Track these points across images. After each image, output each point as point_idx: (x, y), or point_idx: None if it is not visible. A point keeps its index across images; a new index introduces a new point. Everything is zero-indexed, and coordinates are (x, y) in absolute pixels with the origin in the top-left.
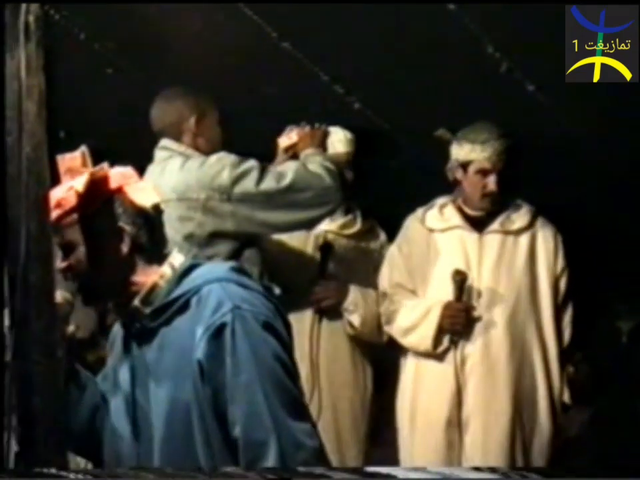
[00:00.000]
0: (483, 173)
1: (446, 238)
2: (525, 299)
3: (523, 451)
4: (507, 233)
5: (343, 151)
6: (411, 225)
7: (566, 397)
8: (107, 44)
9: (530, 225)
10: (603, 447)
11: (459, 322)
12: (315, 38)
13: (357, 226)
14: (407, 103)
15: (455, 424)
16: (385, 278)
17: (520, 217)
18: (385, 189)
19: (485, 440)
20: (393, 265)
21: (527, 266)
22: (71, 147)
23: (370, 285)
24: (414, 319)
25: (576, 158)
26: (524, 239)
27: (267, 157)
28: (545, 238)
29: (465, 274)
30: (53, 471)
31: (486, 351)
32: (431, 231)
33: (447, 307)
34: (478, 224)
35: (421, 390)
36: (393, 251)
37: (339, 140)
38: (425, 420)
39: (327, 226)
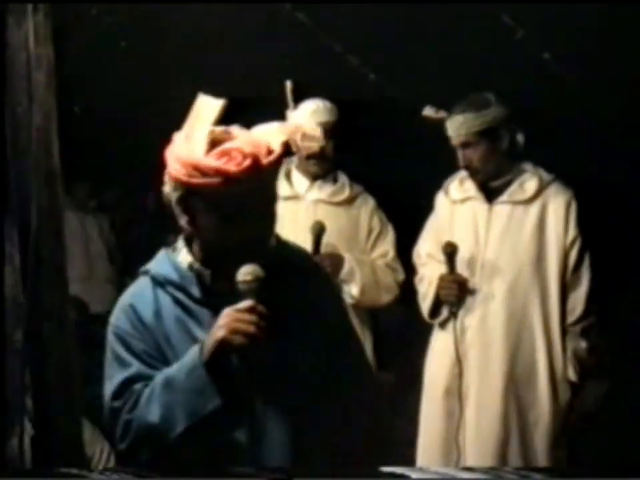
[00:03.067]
0: (458, 147)
1: (463, 209)
2: (529, 272)
3: (519, 427)
4: (516, 203)
5: (317, 121)
6: (439, 196)
7: (570, 374)
8: (120, 16)
9: (539, 194)
10: (620, 421)
11: (451, 293)
12: (329, 8)
13: (346, 193)
14: (421, 72)
15: (455, 394)
16: (418, 249)
17: (530, 186)
18: (395, 158)
19: (479, 413)
20: (424, 236)
21: (533, 237)
22: (87, 122)
23: (364, 252)
24: (422, 290)
25: (593, 126)
26: (534, 209)
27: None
28: (556, 207)
29: (455, 246)
30: (75, 470)
31: (483, 322)
32: (454, 202)
33: (441, 279)
34: (492, 195)
35: (430, 359)
36: (427, 223)
37: (312, 111)
38: (428, 387)
39: (317, 195)
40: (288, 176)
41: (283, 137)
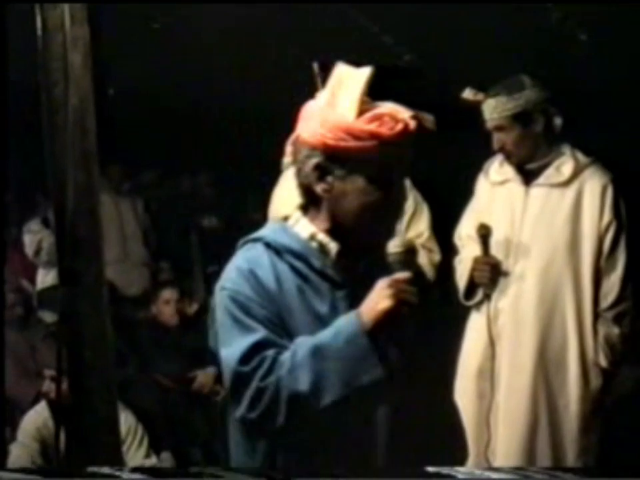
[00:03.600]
0: (493, 131)
1: (501, 191)
2: (562, 255)
3: (549, 411)
4: (552, 185)
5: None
6: (480, 178)
7: (601, 360)
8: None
9: (576, 177)
10: None
11: (485, 275)
12: None
13: None
14: (458, 53)
15: (487, 376)
16: (459, 230)
17: (566, 169)
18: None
19: (510, 396)
20: (465, 218)
21: (569, 221)
22: (121, 104)
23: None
24: (459, 271)
25: (633, 106)
26: (570, 192)
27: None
28: (592, 190)
29: (489, 228)
30: (106, 470)
31: (516, 305)
32: (493, 184)
33: (475, 261)
34: (530, 177)
35: (466, 339)
36: (469, 204)
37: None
38: (462, 368)
39: None
40: None
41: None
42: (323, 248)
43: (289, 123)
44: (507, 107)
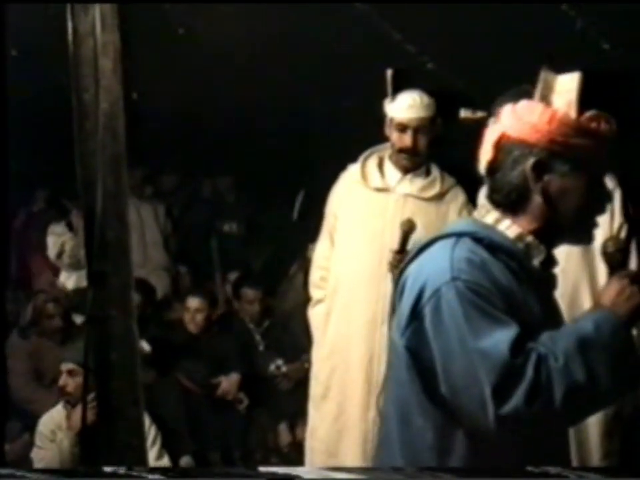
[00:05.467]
0: None
1: None
2: (577, 257)
3: None
4: None
5: (413, 116)
6: None
7: None
8: (178, 5)
9: None
10: None
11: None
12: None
13: (436, 188)
14: (480, 61)
15: None
16: None
17: None
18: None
19: None
20: None
21: None
22: (144, 109)
23: None
24: None
25: None
26: None
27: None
28: None
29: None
30: (122, 471)
31: None
32: None
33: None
34: None
35: None
36: None
37: (408, 105)
38: None
39: (408, 189)
40: (380, 166)
41: None
42: (530, 250)
43: (309, 127)
44: None
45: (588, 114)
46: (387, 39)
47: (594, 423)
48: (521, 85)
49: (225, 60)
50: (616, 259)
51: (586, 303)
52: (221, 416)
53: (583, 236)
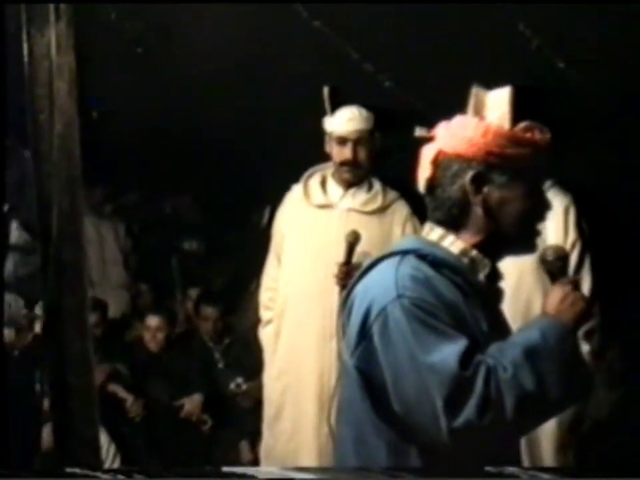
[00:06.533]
0: None
1: None
2: (531, 275)
3: None
4: None
5: (352, 129)
6: None
7: None
8: (137, 23)
9: None
10: (632, 429)
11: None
12: (345, 17)
13: (379, 202)
14: (436, 80)
15: None
16: None
17: None
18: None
19: None
20: None
21: None
22: (104, 127)
23: None
24: None
25: (607, 134)
26: None
27: (291, 134)
28: (555, 211)
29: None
30: (77, 470)
31: None
32: None
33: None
34: None
35: None
36: None
37: (348, 119)
38: None
39: (350, 203)
40: (323, 184)
41: None
42: (475, 264)
43: (270, 146)
44: None
45: (521, 125)
46: (344, 58)
47: (548, 438)
48: None
49: (184, 79)
50: (556, 267)
51: None
52: (183, 436)
53: (526, 245)
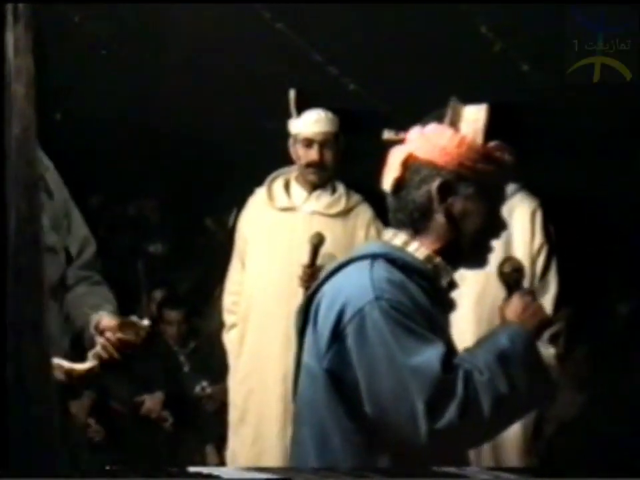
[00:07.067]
0: None
1: None
2: (496, 279)
3: None
4: None
5: (319, 130)
6: None
7: None
8: (102, 25)
9: (505, 202)
10: (601, 429)
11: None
12: (309, 19)
13: (342, 204)
14: (399, 83)
15: None
16: None
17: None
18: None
19: None
20: None
21: (499, 245)
22: (67, 128)
23: None
24: None
25: (574, 138)
26: None
27: (255, 137)
28: (522, 215)
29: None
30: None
31: (454, 328)
32: None
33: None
34: None
35: None
36: None
37: (314, 120)
38: None
39: (314, 206)
40: (286, 187)
41: None
42: (438, 270)
43: (234, 148)
44: None
45: (493, 143)
46: (308, 61)
47: (512, 441)
48: (442, 107)
49: (149, 82)
50: (513, 279)
51: None
52: (146, 436)
53: (478, 259)
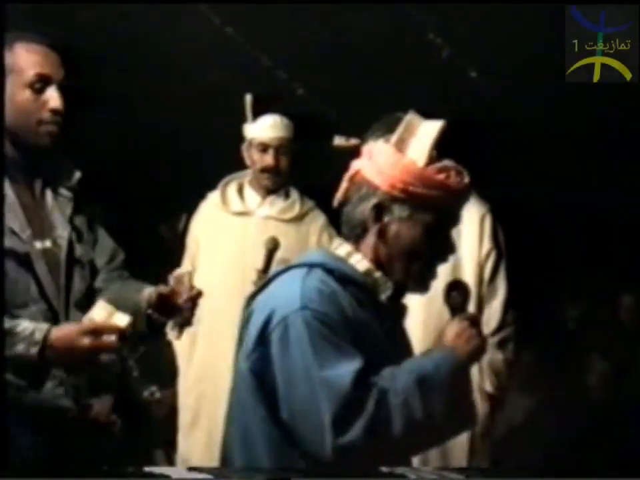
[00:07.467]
0: None
1: None
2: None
3: None
4: None
5: (274, 136)
6: None
7: (487, 386)
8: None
9: None
10: (549, 433)
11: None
12: (257, 23)
13: (296, 210)
14: (350, 89)
15: None
16: None
17: None
18: (327, 172)
19: None
20: None
21: None
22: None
23: None
24: None
25: (522, 142)
26: None
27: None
28: (471, 220)
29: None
30: None
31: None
32: None
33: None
34: None
35: None
36: None
37: (270, 125)
38: None
39: (268, 211)
40: (240, 191)
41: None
42: (377, 285)
43: (184, 154)
44: None
45: (438, 165)
46: (256, 65)
47: (461, 445)
48: (392, 113)
49: (101, 87)
50: (457, 303)
51: None
52: (94, 440)
53: (418, 283)
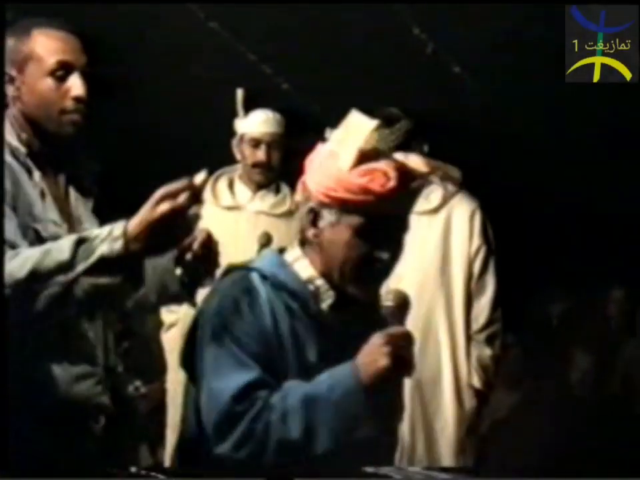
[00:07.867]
0: None
1: None
2: (434, 280)
3: (425, 432)
4: (421, 213)
5: (266, 131)
6: None
7: (475, 381)
8: None
9: (444, 204)
10: (533, 428)
11: None
12: (242, 18)
13: (287, 205)
14: (333, 83)
15: None
16: None
17: (435, 197)
18: None
19: None
20: None
21: (438, 246)
22: None
23: None
24: None
25: (509, 139)
26: (439, 219)
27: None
28: (461, 217)
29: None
30: None
31: None
32: None
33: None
34: None
35: None
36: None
37: (262, 121)
38: None
39: (259, 206)
40: (230, 186)
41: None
42: (319, 293)
43: (172, 148)
44: (390, 139)
45: (362, 167)
46: (242, 59)
47: (448, 441)
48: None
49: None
50: (391, 315)
51: (441, 326)
52: (74, 438)
53: (356, 290)
